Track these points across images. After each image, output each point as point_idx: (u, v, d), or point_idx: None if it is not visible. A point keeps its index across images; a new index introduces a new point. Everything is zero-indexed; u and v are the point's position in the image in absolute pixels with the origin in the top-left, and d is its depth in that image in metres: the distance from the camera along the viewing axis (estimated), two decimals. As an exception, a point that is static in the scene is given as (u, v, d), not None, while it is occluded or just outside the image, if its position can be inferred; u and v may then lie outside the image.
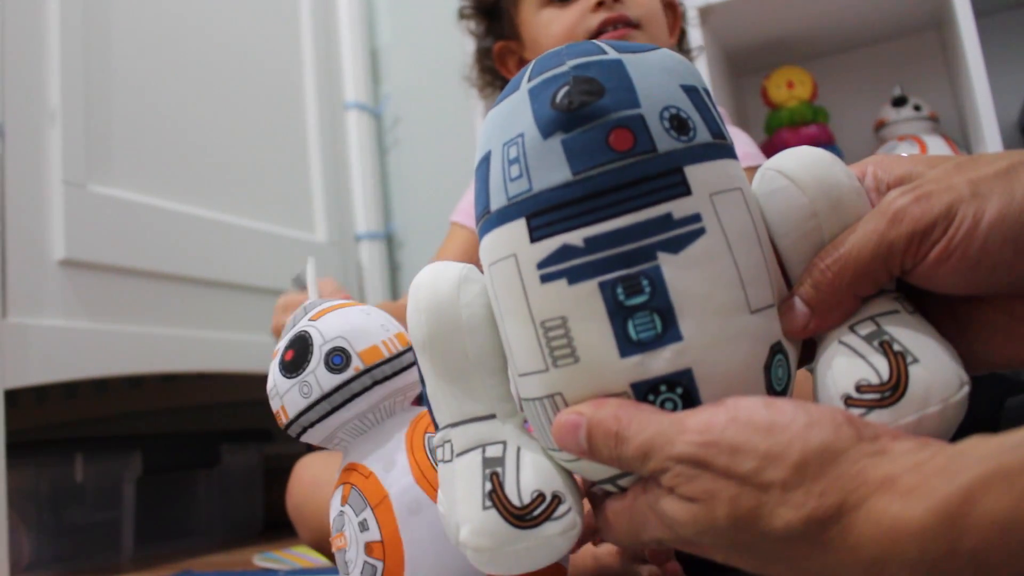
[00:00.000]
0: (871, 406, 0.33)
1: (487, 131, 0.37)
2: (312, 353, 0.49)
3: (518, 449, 0.37)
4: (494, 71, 0.93)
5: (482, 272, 0.38)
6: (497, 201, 0.35)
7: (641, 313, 0.33)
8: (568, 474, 0.37)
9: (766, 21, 1.30)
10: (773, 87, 1.32)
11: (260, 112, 1.45)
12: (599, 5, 0.78)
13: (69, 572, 1.15)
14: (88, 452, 1.20)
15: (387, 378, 0.49)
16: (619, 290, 0.33)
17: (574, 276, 0.33)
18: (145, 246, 1.16)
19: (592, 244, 0.33)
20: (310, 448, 0.84)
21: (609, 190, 0.33)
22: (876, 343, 0.34)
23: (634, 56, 0.35)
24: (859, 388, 0.34)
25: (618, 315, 0.33)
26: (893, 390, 0.33)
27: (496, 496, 0.35)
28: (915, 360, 0.33)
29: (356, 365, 0.49)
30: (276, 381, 0.49)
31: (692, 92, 0.35)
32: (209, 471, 1.38)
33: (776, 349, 0.34)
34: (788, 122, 1.29)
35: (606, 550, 0.62)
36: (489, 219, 0.36)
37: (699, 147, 0.34)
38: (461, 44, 1.46)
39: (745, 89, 1.48)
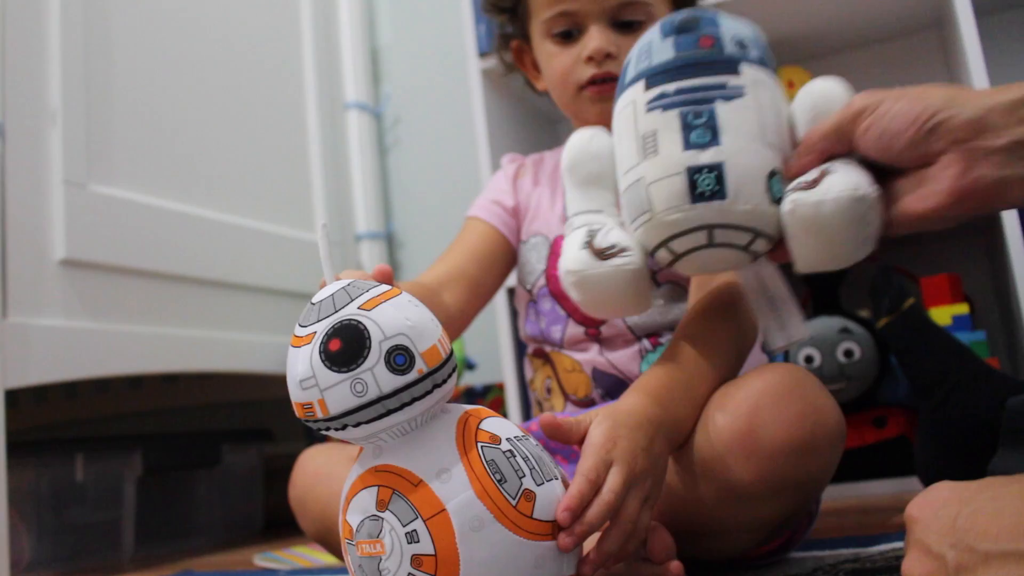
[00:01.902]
0: (798, 189, 0.56)
1: (629, 56, 0.65)
2: (370, 348, 0.44)
3: (611, 228, 0.63)
4: (511, 62, 0.95)
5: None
6: (630, 76, 0.63)
7: (700, 129, 0.58)
8: (639, 247, 0.62)
9: (766, 21, 1.30)
10: (773, 87, 1.32)
11: (260, 112, 1.45)
12: (590, 59, 0.81)
13: (69, 572, 1.15)
14: (88, 452, 1.20)
15: (444, 381, 0.47)
16: (689, 116, 0.58)
17: (666, 107, 0.59)
18: (145, 246, 1.16)
19: (679, 91, 0.59)
20: (311, 446, 0.84)
21: (692, 64, 0.60)
22: (820, 169, 0.57)
23: (726, 16, 0.62)
24: (798, 184, 0.57)
25: (686, 128, 0.58)
26: (812, 184, 0.56)
27: (589, 243, 0.62)
28: (832, 173, 0.56)
29: (420, 367, 0.45)
30: (317, 372, 0.45)
31: (756, 41, 0.62)
32: (209, 471, 1.38)
33: (774, 172, 0.58)
34: (788, 122, 1.29)
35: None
36: (623, 86, 0.64)
37: (752, 59, 0.60)
38: (461, 44, 1.46)
39: (745, 89, 1.48)
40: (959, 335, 1.04)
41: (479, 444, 0.47)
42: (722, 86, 0.58)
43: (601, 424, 0.54)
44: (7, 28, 1.03)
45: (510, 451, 0.48)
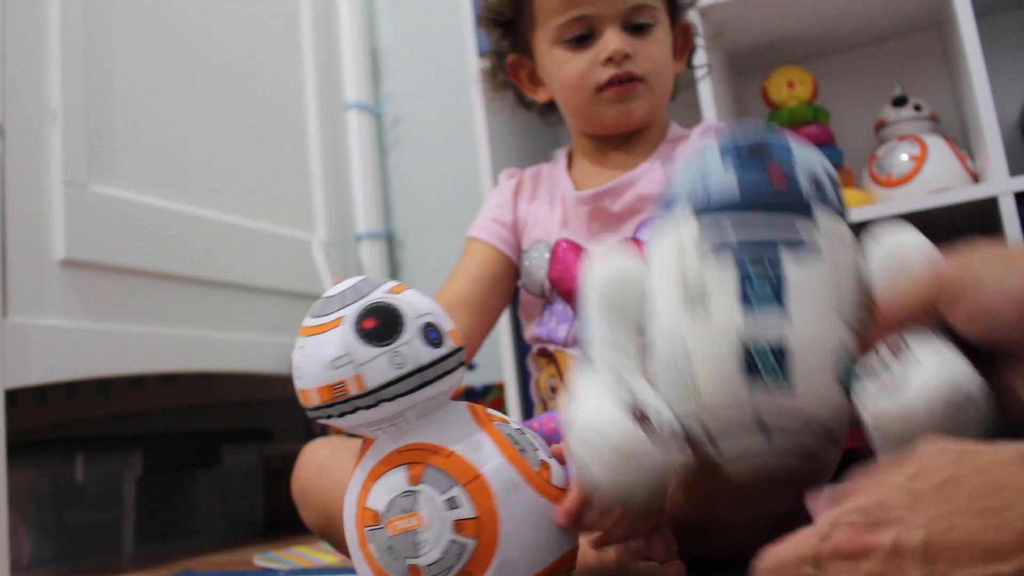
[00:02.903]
0: (878, 384, 0.45)
1: (676, 170, 0.53)
2: (404, 325, 0.48)
3: (647, 388, 0.49)
4: (506, 78, 0.95)
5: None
6: (678, 198, 0.50)
7: (764, 294, 0.45)
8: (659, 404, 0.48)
9: (766, 21, 1.30)
10: (773, 87, 1.32)
11: (260, 112, 1.45)
12: (608, 60, 0.82)
13: (69, 572, 1.15)
14: (88, 452, 1.20)
15: (463, 363, 0.51)
16: (752, 276, 0.46)
17: (722, 258, 0.47)
18: (145, 246, 1.16)
19: (742, 242, 0.47)
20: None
21: (761, 207, 0.47)
22: (903, 350, 0.45)
23: (794, 140, 0.50)
24: (875, 374, 0.45)
25: (746, 291, 0.46)
26: (895, 379, 0.44)
27: (634, 411, 0.47)
28: (919, 362, 0.44)
29: (449, 343, 0.49)
30: (352, 349, 0.47)
31: (830, 177, 0.50)
32: (209, 471, 1.38)
33: (850, 352, 0.47)
34: (788, 122, 1.29)
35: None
36: (667, 205, 0.52)
37: (828, 202, 0.48)
38: (461, 45, 1.46)
39: (745, 89, 1.48)
40: (959, 335, 1.03)
41: (494, 423, 0.51)
42: (795, 242, 0.46)
43: None
44: (7, 28, 1.03)
45: (519, 430, 0.52)
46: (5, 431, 0.94)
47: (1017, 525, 0.31)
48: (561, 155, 0.96)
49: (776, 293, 0.45)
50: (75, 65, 1.10)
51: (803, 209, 0.47)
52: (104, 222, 1.10)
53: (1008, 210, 1.05)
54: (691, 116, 1.29)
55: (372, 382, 0.47)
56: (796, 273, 0.46)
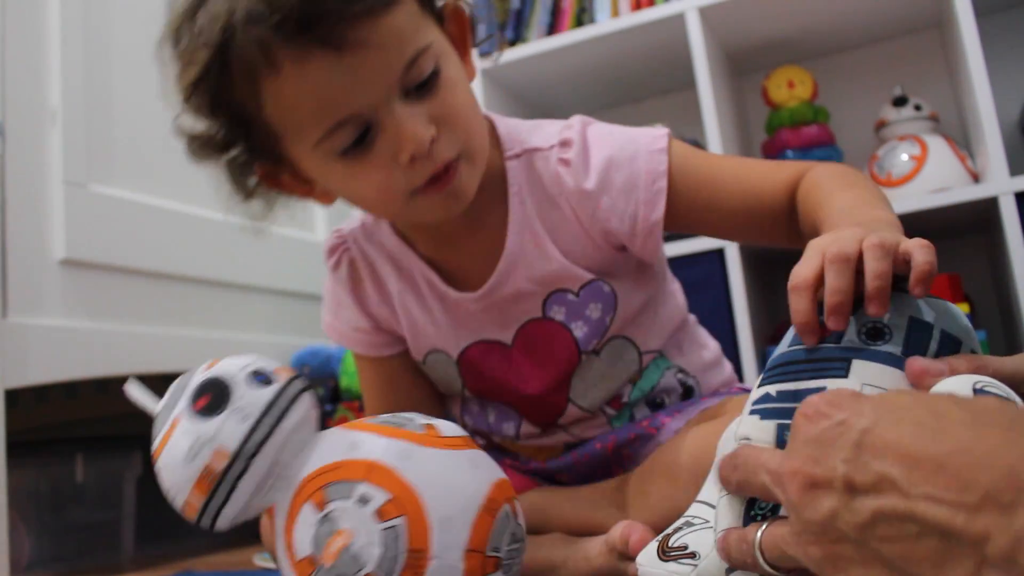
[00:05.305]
0: None
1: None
2: (232, 384, 0.50)
3: (702, 527, 0.49)
4: (264, 189, 0.74)
5: None
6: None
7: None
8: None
9: (766, 21, 1.30)
10: (773, 87, 1.31)
11: (260, 112, 1.45)
12: (413, 160, 0.60)
13: (69, 572, 1.15)
14: (88, 452, 1.20)
15: (306, 388, 0.53)
16: (785, 433, 0.42)
17: (764, 415, 0.45)
18: (145, 246, 1.16)
19: (781, 395, 0.45)
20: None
21: (798, 360, 0.46)
22: None
23: (906, 300, 0.46)
24: None
25: (778, 445, 0.43)
26: None
27: (663, 540, 0.50)
28: None
29: (281, 378, 0.52)
30: (199, 431, 0.49)
31: (922, 326, 0.45)
32: (209, 471, 1.38)
33: None
34: (789, 122, 1.29)
35: (597, 551, 0.62)
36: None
37: (880, 352, 0.44)
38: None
39: (745, 89, 1.48)
40: (959, 335, 1.03)
41: (364, 420, 0.52)
42: (820, 391, 0.43)
43: None
44: (7, 28, 1.03)
45: (392, 414, 0.54)
46: (5, 431, 0.94)
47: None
48: (382, 225, 0.77)
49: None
50: (75, 65, 1.10)
51: (837, 360, 0.44)
52: (104, 222, 1.11)
53: (1008, 210, 1.04)
54: (691, 116, 1.29)
55: (232, 445, 0.47)
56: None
